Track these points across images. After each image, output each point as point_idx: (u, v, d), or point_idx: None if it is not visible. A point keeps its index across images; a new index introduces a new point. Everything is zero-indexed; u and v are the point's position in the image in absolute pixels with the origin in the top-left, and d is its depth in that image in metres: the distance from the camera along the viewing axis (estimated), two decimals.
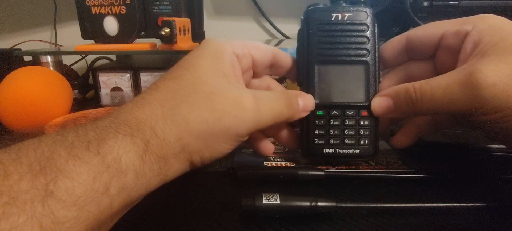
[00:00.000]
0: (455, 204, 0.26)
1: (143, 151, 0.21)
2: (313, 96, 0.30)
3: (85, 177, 0.18)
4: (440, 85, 0.25)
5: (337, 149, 0.30)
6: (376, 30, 0.30)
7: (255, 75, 0.33)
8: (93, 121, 0.22)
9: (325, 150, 0.30)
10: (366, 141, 0.30)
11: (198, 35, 0.65)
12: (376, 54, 0.30)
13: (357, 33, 0.30)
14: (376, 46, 0.30)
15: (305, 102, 0.29)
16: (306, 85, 0.30)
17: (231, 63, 0.28)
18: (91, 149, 0.19)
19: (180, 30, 0.52)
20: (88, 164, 0.18)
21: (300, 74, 0.31)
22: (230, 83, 0.26)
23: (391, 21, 0.50)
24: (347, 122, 0.30)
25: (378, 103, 0.29)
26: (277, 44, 0.67)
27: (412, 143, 0.33)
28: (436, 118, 0.32)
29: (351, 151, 0.30)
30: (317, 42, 0.30)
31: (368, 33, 0.30)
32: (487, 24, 0.26)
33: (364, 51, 0.30)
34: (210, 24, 0.85)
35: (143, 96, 0.24)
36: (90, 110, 0.46)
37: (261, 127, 0.27)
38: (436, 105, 0.26)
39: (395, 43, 0.31)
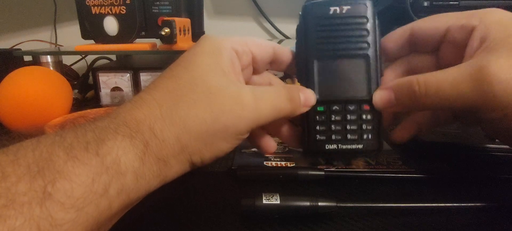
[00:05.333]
0: (455, 204, 0.26)
1: (143, 152, 0.21)
2: (314, 91, 0.30)
3: (84, 179, 0.18)
4: (447, 79, 0.24)
5: (339, 145, 0.30)
6: (377, 23, 0.29)
7: (256, 71, 0.32)
8: (92, 121, 0.21)
9: (327, 146, 0.30)
10: (369, 135, 0.29)
11: (198, 35, 0.64)
12: (378, 46, 0.29)
13: (356, 26, 0.29)
14: (377, 38, 0.29)
15: (306, 96, 0.29)
16: (306, 81, 0.30)
17: (230, 60, 0.27)
18: (90, 150, 0.19)
19: (180, 30, 0.52)
20: (87, 165, 0.18)
21: (299, 70, 0.31)
22: (229, 81, 0.26)
23: (391, 21, 0.50)
24: (349, 116, 0.29)
25: (380, 96, 0.29)
26: None
27: (410, 138, 0.33)
28: (436, 113, 0.32)
29: (354, 146, 0.30)
30: (315, 37, 0.30)
31: (368, 26, 0.29)
32: (494, 19, 0.25)
33: (365, 45, 0.29)
34: (210, 24, 0.85)
35: (142, 96, 0.24)
36: (89, 111, 0.46)
37: (261, 123, 0.26)
38: (442, 99, 0.25)
39: (398, 35, 0.31)
